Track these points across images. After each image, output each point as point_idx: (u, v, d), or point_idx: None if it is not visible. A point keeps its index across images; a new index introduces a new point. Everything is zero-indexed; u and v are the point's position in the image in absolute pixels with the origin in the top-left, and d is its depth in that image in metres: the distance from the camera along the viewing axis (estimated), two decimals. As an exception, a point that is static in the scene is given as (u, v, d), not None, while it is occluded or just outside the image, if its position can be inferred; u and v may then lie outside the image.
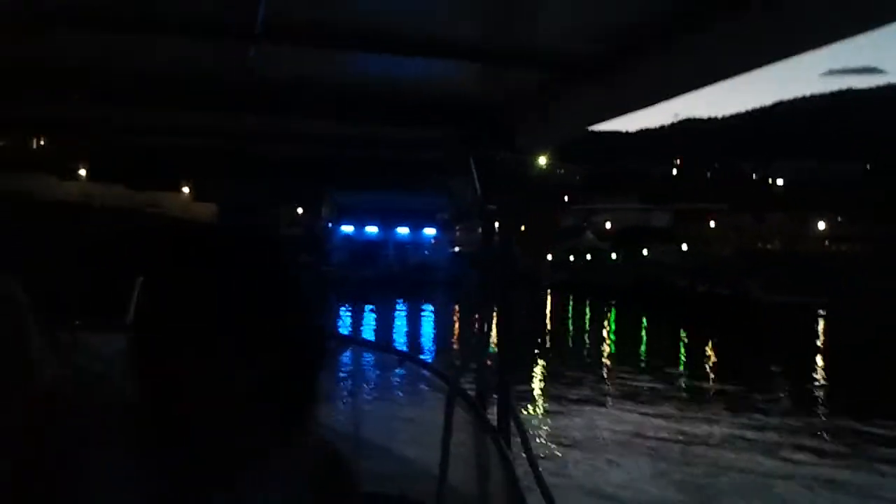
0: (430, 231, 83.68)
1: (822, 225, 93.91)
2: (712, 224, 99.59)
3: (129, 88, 3.01)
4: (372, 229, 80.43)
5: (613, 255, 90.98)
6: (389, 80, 3.00)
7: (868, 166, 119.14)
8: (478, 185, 3.61)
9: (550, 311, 54.76)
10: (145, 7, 2.29)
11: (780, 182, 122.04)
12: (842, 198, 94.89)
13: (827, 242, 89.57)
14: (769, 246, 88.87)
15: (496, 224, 3.61)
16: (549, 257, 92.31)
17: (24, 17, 2.31)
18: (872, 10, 1.83)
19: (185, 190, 76.38)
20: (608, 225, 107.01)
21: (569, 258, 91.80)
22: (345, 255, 73.54)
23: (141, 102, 3.15)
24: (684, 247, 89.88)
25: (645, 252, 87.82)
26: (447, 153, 3.72)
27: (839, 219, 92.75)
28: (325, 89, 3.08)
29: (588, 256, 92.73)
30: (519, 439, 3.37)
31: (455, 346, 29.65)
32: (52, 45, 2.64)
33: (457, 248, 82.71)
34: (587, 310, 54.85)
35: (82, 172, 70.08)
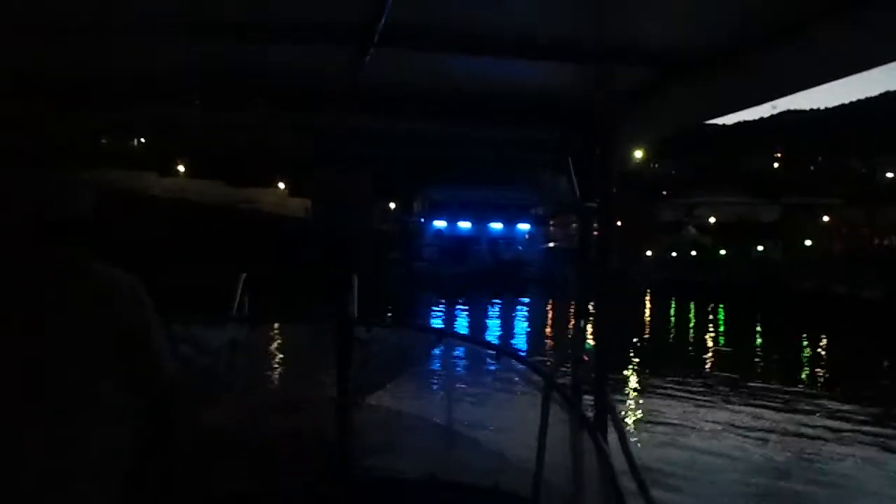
0: (523, 226, 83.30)
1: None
2: (826, 219, 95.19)
3: (243, 92, 3.22)
4: (464, 224, 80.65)
5: (723, 252, 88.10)
6: (492, 81, 3.12)
7: None
8: (576, 184, 3.69)
9: (650, 315, 52.41)
10: (261, 15, 2.47)
11: (889, 175, 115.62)
12: None
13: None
14: (886, 243, 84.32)
15: (594, 222, 3.68)
16: (650, 254, 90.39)
17: (136, 26, 2.51)
18: None
19: (281, 186, 78.61)
20: (711, 220, 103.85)
21: (670, 255, 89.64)
22: (437, 250, 74.00)
23: (256, 104, 3.35)
24: (806, 243, 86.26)
25: (759, 248, 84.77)
26: (546, 153, 3.81)
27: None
28: (429, 92, 3.23)
29: (693, 252, 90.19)
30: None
31: (550, 344, 29.36)
32: (166, 52, 2.87)
33: (551, 244, 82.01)
34: (692, 315, 52.10)
35: (181, 169, 73.02)
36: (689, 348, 34.90)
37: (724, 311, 52.12)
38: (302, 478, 3.43)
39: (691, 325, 47.85)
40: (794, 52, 2.27)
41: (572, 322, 3.66)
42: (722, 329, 44.73)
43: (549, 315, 39.71)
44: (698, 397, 19.91)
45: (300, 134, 3.95)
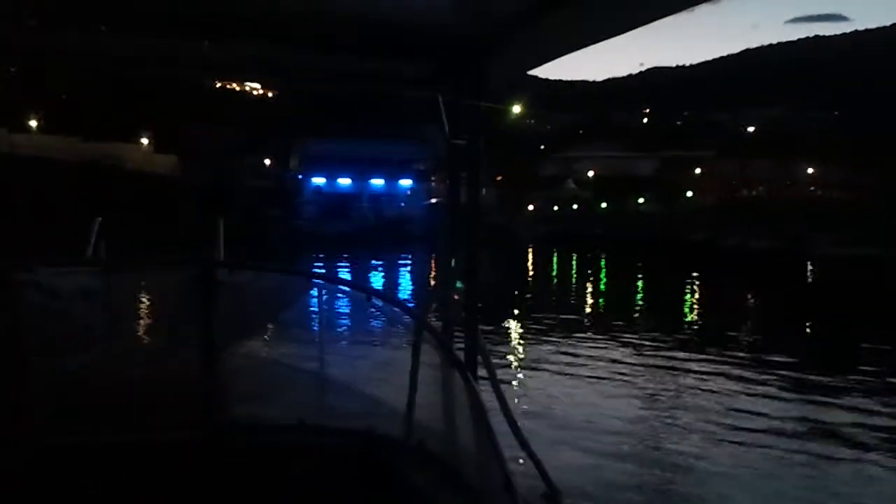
0: (406, 182, 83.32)
1: (809, 171, 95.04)
2: (698, 171, 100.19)
3: (79, 11, 2.98)
4: (345, 181, 79.87)
5: (604, 205, 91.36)
6: (356, 6, 3.04)
7: (837, 113, 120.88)
8: (446, 124, 3.70)
9: (534, 267, 53.99)
10: None
11: (750, 130, 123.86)
12: (815, 145, 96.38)
13: (812, 189, 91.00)
14: (754, 193, 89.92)
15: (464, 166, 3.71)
16: (531, 208, 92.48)
17: None
18: None
19: (145, 141, 75.19)
20: (590, 174, 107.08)
21: (552, 209, 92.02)
22: (316, 208, 73.08)
23: (89, 25, 3.11)
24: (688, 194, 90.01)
25: (640, 201, 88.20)
26: (416, 88, 3.78)
27: (813, 168, 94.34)
28: (288, 14, 3.09)
29: (574, 206, 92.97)
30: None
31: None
32: None
33: (434, 200, 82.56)
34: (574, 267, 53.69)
35: (33, 124, 68.68)
36: (570, 297, 36.81)
37: (606, 262, 54.40)
38: (163, 426, 3.37)
39: (573, 275, 49.87)
40: None
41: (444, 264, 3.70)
42: (602, 278, 46.48)
43: (433, 272, 40.12)
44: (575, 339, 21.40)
45: (152, 65, 3.75)
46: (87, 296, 3.40)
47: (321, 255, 47.74)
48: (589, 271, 50.21)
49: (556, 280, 46.45)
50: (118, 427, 3.33)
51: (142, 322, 3.80)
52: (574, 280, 46.60)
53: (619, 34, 3.15)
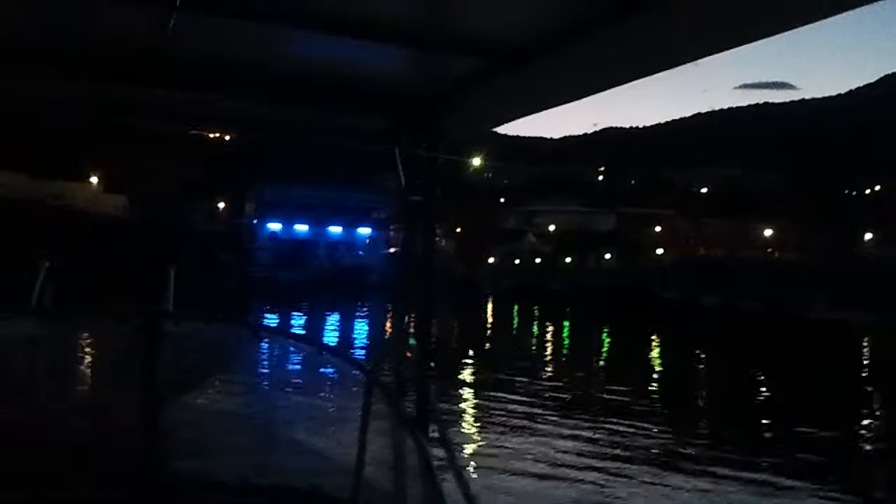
0: (364, 230, 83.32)
1: (768, 232, 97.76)
2: (658, 228, 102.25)
3: (31, 55, 2.98)
4: (301, 227, 79.58)
5: (568, 259, 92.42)
6: (315, 61, 3.10)
7: (789, 176, 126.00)
8: (402, 177, 3.77)
9: (492, 324, 52.91)
10: None
11: (703, 190, 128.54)
12: (767, 205, 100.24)
13: (769, 250, 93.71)
14: (711, 252, 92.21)
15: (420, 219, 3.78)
16: (491, 261, 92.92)
17: None
18: (781, 14, 2.14)
19: (94, 180, 74.26)
20: (550, 228, 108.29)
21: (513, 262, 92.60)
22: (271, 255, 72.53)
23: (44, 73, 3.13)
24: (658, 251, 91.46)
25: (606, 256, 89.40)
26: (374, 143, 3.86)
27: (769, 228, 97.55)
28: (246, 66, 3.15)
29: (537, 260, 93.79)
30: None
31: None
32: None
33: (393, 249, 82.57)
34: (535, 326, 52.19)
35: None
36: (528, 354, 35.07)
37: (573, 320, 53.57)
38: (103, 482, 3.31)
39: (534, 330, 49.40)
40: (619, 45, 2.48)
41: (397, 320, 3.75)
42: (567, 340, 46.04)
43: (390, 323, 39.53)
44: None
45: (106, 111, 3.77)
46: (29, 345, 3.36)
47: (274, 305, 47.16)
48: (553, 329, 48.53)
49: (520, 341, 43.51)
50: (54, 483, 3.27)
51: (84, 373, 3.77)
52: (547, 345, 42.03)
53: (573, 100, 3.29)
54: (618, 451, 15.39)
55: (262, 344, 3.85)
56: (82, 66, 3.09)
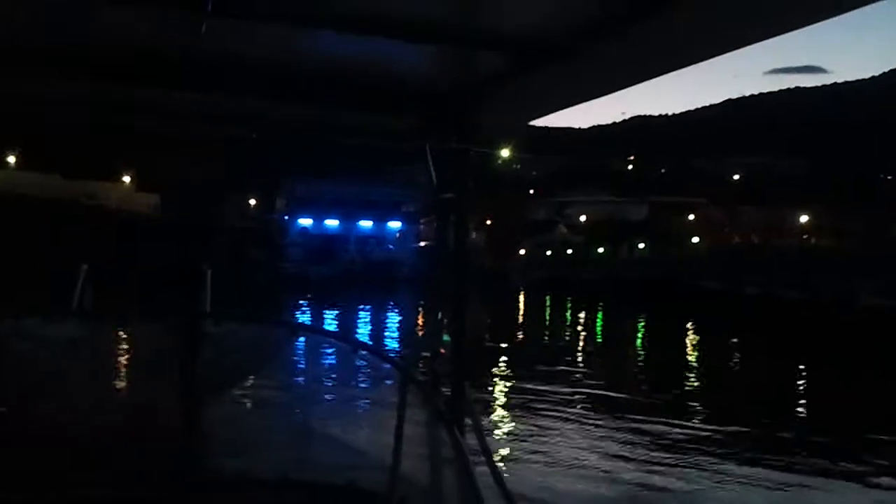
0: (394, 224, 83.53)
1: (803, 218, 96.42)
2: (691, 217, 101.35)
3: (67, 60, 3.03)
4: (332, 222, 79.92)
5: (601, 250, 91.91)
6: (346, 60, 3.12)
7: (821, 161, 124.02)
8: (433, 174, 3.79)
9: (525, 316, 52.35)
10: None
11: (735, 177, 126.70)
12: (800, 192, 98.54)
13: (805, 236, 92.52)
14: (746, 240, 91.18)
15: (451, 214, 3.79)
16: (522, 253, 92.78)
17: None
18: (811, 6, 2.14)
19: (127, 179, 75.29)
20: (582, 218, 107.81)
21: (544, 253, 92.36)
22: (302, 250, 72.96)
23: (81, 75, 3.17)
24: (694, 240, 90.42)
25: (640, 246, 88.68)
26: (404, 140, 3.88)
27: (804, 214, 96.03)
28: (277, 69, 3.19)
29: (569, 251, 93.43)
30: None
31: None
32: None
33: (423, 243, 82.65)
34: (569, 315, 51.52)
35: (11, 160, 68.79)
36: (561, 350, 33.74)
37: (607, 313, 52.64)
38: (143, 480, 3.40)
39: (567, 323, 48.61)
40: (651, 38, 2.46)
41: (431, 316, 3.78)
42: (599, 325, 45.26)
43: (419, 317, 39.19)
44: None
45: (140, 114, 3.83)
46: (71, 346, 3.46)
47: (306, 301, 47.42)
48: (588, 320, 47.65)
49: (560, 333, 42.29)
50: (97, 481, 3.36)
51: (125, 373, 3.86)
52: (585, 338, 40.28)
53: (607, 94, 3.28)
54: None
55: (299, 341, 3.91)
56: (112, 68, 3.13)
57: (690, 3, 2.18)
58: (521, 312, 54.94)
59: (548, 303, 58.93)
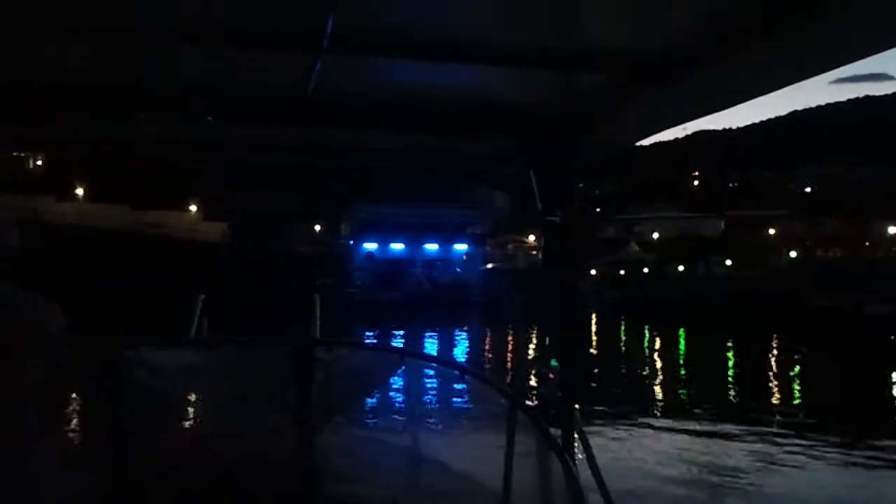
0: (460, 246, 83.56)
1: (892, 229, 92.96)
2: (771, 232, 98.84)
3: (187, 104, 3.23)
4: (397, 246, 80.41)
5: (680, 268, 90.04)
6: (450, 90, 3.21)
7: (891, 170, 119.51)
8: (538, 198, 3.83)
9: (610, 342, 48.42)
10: (207, 22, 2.46)
11: (807, 190, 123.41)
12: (882, 202, 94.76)
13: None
14: (830, 254, 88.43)
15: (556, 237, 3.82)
16: (593, 272, 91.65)
17: (70, 30, 2.47)
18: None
19: (193, 208, 77.15)
20: (654, 235, 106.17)
21: (617, 273, 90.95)
22: (369, 275, 73.46)
23: (202, 117, 3.33)
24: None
25: (726, 262, 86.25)
26: (506, 165, 3.94)
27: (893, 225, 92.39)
28: (386, 102, 3.29)
29: (644, 270, 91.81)
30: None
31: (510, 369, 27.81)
32: (106, 60, 2.85)
33: (490, 265, 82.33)
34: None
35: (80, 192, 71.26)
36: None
37: (689, 333, 49.76)
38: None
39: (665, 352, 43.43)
40: (756, 57, 2.47)
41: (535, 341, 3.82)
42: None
43: (506, 342, 36.73)
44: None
45: (251, 148, 4.00)
46: (189, 374, 3.61)
47: (380, 327, 47.30)
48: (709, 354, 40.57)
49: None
50: None
51: (240, 400, 4.00)
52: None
53: (715, 112, 3.29)
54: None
55: (404, 367, 3.99)
56: (232, 108, 3.29)
57: (794, 25, 2.19)
58: (602, 337, 52.92)
59: (629, 326, 55.99)
